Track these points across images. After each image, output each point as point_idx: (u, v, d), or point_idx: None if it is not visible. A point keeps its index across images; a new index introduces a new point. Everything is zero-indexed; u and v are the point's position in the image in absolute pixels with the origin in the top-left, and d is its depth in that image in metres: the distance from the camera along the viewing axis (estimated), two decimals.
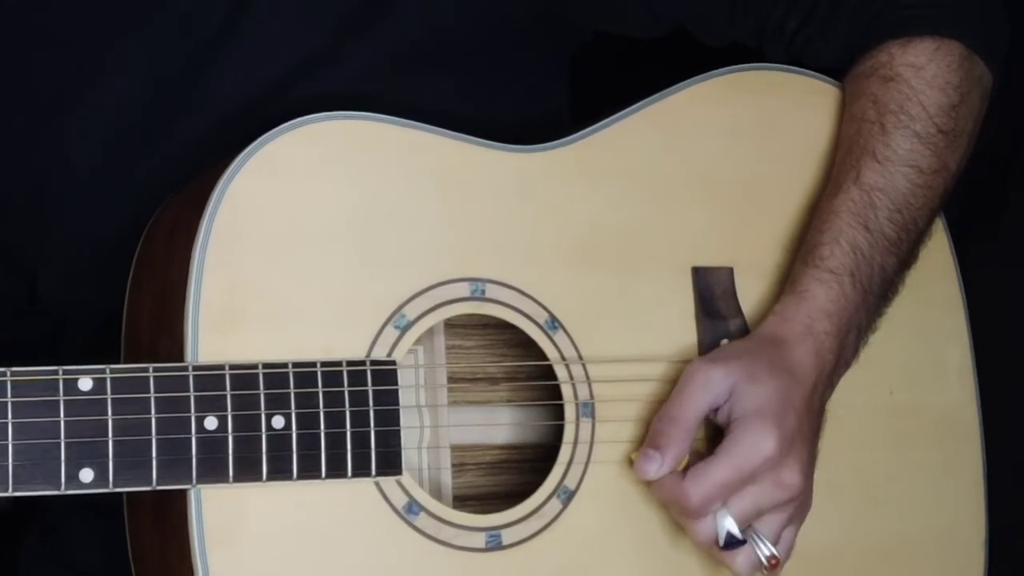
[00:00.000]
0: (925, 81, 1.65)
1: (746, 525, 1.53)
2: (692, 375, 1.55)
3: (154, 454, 1.40)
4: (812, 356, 1.57)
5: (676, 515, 1.55)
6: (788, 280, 1.62)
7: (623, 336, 1.60)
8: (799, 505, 1.56)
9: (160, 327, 1.49)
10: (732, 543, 1.53)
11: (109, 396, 1.40)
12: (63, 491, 1.38)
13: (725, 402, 1.54)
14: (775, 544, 1.54)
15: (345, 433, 1.46)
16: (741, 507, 1.52)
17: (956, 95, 1.66)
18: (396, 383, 1.49)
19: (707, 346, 1.62)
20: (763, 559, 1.54)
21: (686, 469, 1.53)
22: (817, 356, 1.57)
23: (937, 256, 1.74)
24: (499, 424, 1.63)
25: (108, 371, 1.40)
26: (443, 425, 1.58)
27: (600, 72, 1.84)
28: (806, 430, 1.55)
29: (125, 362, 1.55)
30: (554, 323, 1.57)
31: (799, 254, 1.63)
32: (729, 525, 1.52)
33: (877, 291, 1.62)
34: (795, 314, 1.59)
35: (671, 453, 1.52)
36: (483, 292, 1.55)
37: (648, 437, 1.55)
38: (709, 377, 1.54)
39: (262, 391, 1.44)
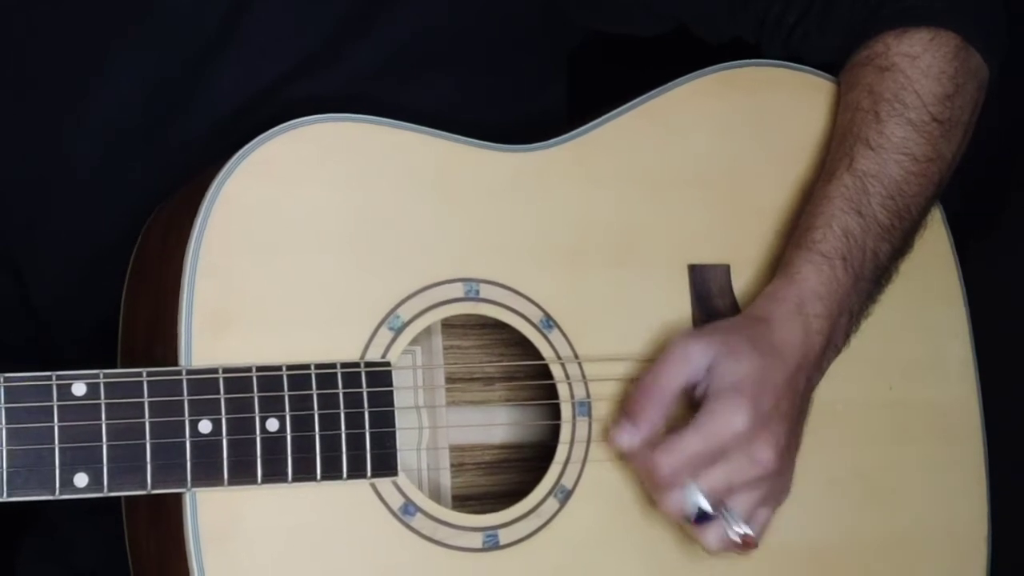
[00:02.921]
0: (920, 70, 1.65)
1: (717, 501, 1.53)
2: (672, 347, 1.54)
3: (148, 458, 1.40)
4: (799, 336, 1.57)
5: (648, 488, 1.55)
6: (780, 263, 1.62)
7: (619, 334, 1.59)
8: (773, 485, 1.55)
9: (155, 331, 1.49)
10: (703, 518, 1.52)
11: (103, 401, 1.40)
12: (57, 496, 1.38)
13: (704, 378, 1.54)
14: (747, 523, 1.54)
15: (340, 435, 1.46)
16: (711, 481, 1.52)
17: (951, 85, 1.66)
18: (391, 384, 1.49)
19: None
20: (735, 537, 1.53)
21: None
22: (805, 336, 1.57)
23: (937, 251, 1.74)
24: (497, 424, 1.63)
25: (101, 376, 1.40)
26: (441, 426, 1.58)
27: (597, 70, 1.83)
28: (785, 409, 1.54)
29: (121, 366, 1.55)
30: (549, 322, 1.57)
31: (792, 238, 1.63)
32: (699, 499, 1.52)
33: (869, 276, 1.62)
34: (785, 295, 1.58)
35: (644, 422, 1.52)
36: (477, 292, 1.55)
37: (623, 407, 1.55)
38: (688, 350, 1.53)
39: (256, 394, 1.44)
